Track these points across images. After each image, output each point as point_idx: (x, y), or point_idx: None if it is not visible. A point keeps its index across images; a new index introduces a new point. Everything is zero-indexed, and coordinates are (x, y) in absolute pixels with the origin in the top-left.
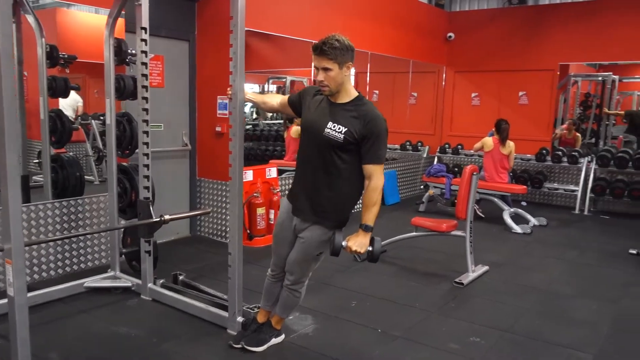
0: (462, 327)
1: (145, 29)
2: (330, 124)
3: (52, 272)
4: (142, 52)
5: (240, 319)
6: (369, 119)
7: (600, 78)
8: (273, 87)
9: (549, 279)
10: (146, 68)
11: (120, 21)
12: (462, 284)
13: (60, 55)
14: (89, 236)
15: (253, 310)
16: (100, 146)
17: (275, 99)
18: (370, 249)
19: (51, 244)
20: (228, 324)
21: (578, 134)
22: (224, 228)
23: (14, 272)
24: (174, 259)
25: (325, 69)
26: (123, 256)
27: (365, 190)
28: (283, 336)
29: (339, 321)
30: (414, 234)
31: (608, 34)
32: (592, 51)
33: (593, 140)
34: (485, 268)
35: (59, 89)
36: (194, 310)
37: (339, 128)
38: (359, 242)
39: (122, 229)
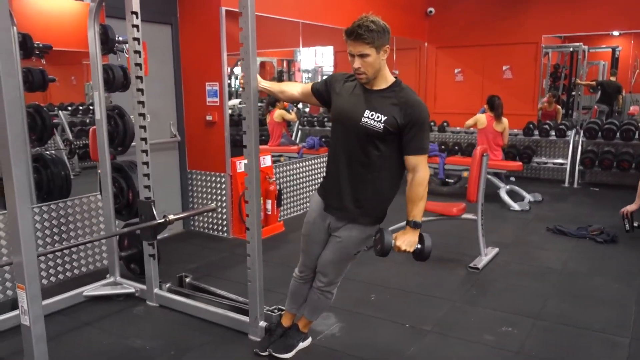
0: (491, 316)
1: (136, 13)
2: (367, 113)
3: (44, 281)
4: (135, 39)
5: (263, 323)
6: (409, 105)
7: (571, 49)
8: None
9: (561, 257)
10: (140, 57)
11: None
12: (477, 268)
13: (35, 45)
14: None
15: (273, 312)
16: (71, 138)
17: (296, 88)
18: (419, 246)
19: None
20: (249, 329)
21: (558, 106)
22: (218, 222)
23: (29, 298)
24: (172, 259)
25: (362, 55)
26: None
27: (409, 184)
28: (310, 339)
29: (363, 317)
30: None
31: (590, 5)
32: (574, 22)
33: (563, 111)
34: (496, 250)
35: (36, 82)
36: (209, 316)
37: (378, 117)
38: (407, 241)
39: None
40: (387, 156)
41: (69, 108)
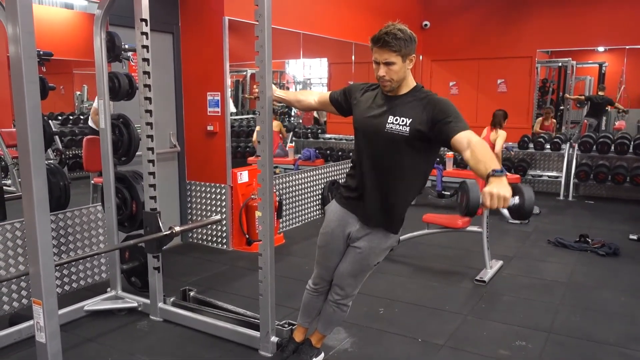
0: (502, 330)
1: (145, 20)
2: (391, 119)
3: None
4: (143, 46)
5: (274, 338)
6: (434, 103)
7: (560, 64)
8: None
9: (565, 270)
10: (148, 65)
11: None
12: (484, 281)
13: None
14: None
15: (284, 327)
16: (61, 148)
17: (312, 97)
18: (517, 200)
19: None
20: (260, 344)
21: (554, 120)
22: (218, 234)
23: (46, 313)
24: (172, 272)
25: (388, 63)
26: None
27: (472, 153)
28: (323, 354)
29: (374, 332)
30: (427, 231)
31: (585, 20)
32: (569, 37)
33: (557, 125)
34: (500, 263)
35: None
36: (216, 331)
37: (403, 120)
38: (502, 189)
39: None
40: (413, 163)
41: (59, 118)
